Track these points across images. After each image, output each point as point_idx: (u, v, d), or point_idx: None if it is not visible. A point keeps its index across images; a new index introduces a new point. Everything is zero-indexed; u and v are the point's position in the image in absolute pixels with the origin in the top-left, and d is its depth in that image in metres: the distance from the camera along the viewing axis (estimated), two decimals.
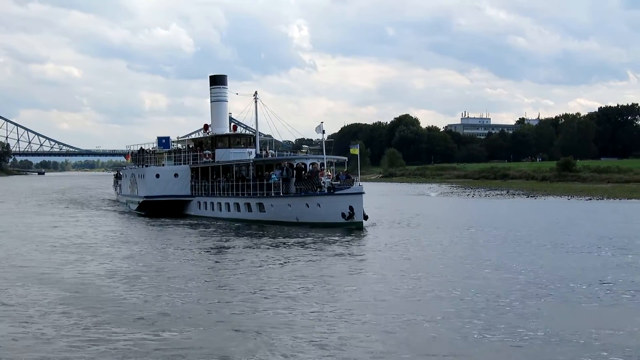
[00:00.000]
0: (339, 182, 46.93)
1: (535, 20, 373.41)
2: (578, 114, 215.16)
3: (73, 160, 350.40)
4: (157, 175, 59.34)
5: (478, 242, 36.71)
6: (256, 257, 32.06)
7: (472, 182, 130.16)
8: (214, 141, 59.97)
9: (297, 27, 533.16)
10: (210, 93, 62.87)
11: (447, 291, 22.51)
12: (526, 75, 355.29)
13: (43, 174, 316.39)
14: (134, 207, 63.40)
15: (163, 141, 62.39)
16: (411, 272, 26.58)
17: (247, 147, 59.65)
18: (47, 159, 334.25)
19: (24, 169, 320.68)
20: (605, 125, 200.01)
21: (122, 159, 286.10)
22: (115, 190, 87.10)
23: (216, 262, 31.82)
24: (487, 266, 27.85)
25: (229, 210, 52.83)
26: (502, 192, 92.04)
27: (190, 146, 64.11)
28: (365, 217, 44.43)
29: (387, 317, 18.85)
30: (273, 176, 48.67)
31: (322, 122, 47.58)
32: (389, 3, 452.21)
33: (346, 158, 52.61)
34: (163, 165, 60.96)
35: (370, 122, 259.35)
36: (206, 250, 35.66)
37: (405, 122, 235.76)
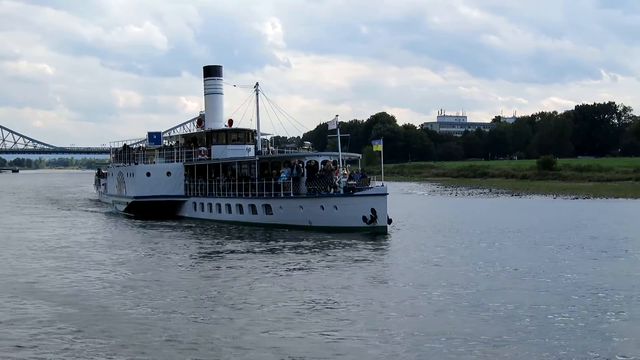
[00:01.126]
0: (354, 182, 41.32)
1: (509, 19, 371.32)
2: (555, 112, 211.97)
3: (47, 158, 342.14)
4: (148, 174, 53.25)
5: (515, 248, 33.19)
6: (269, 265, 28.42)
7: (451, 181, 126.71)
8: (209, 137, 53.97)
9: (270, 25, 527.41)
10: (204, 85, 56.86)
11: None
12: (500, 74, 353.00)
13: (17, 171, 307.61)
14: (122, 207, 57.29)
15: (154, 137, 56.06)
16: (467, 287, 23.01)
17: (245, 144, 53.75)
18: (20, 156, 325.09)
19: None
20: (582, 124, 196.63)
21: (98, 156, 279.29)
22: (97, 189, 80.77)
23: (221, 271, 27.77)
24: (533, 274, 25.13)
25: (229, 212, 46.93)
26: (484, 191, 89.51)
27: (182, 142, 58.02)
28: (389, 221, 38.72)
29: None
30: (282, 175, 42.88)
31: (337, 116, 41.97)
32: (362, 2, 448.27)
33: (359, 155, 46.80)
34: (154, 162, 54.68)
35: (346, 120, 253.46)
36: (208, 257, 31.78)
37: (382, 120, 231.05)
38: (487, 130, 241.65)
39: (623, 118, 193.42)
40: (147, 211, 52.59)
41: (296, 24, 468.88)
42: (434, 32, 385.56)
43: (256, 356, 15.22)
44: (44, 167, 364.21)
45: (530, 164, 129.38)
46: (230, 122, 55.59)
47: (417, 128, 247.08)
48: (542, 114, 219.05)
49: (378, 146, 41.44)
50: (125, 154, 59.98)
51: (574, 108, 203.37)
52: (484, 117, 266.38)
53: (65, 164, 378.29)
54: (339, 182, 40.73)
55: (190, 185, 52.25)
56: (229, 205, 47.00)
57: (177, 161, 53.71)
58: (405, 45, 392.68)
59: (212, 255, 32.11)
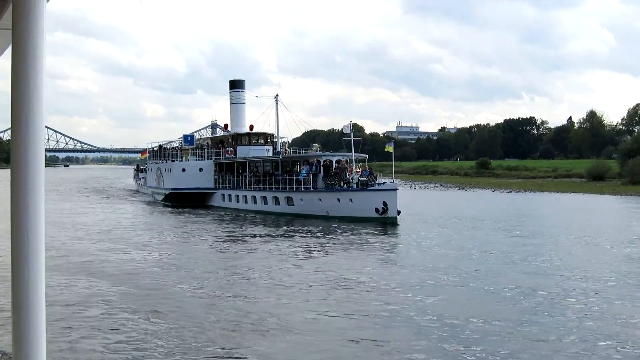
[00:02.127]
0: (365, 178, 36.69)
1: (451, 52, 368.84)
2: (488, 124, 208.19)
3: (91, 155, 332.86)
4: (183, 170, 48.29)
5: (515, 234, 29.98)
6: (300, 247, 25.37)
7: (408, 177, 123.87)
8: (235, 139, 49.03)
9: (266, 54, 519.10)
10: (230, 96, 51.91)
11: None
12: (443, 94, 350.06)
13: (68, 166, 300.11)
14: (160, 197, 52.17)
15: (189, 138, 51.06)
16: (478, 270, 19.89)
17: (265, 145, 48.89)
18: (70, 154, 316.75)
19: (52, 162, 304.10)
20: (509, 134, 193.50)
21: (131, 155, 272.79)
22: (136, 182, 75.39)
23: (255, 252, 24.44)
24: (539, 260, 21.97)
25: (255, 202, 42.04)
26: (437, 185, 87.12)
27: (211, 144, 53.03)
28: (398, 212, 34.07)
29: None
30: (302, 172, 38.11)
31: (350, 122, 37.39)
32: (337, 36, 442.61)
33: (366, 155, 42.06)
34: (188, 160, 49.67)
35: (325, 129, 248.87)
36: (240, 240, 28.25)
37: (354, 129, 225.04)
38: (434, 137, 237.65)
39: (541, 129, 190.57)
40: (182, 201, 47.72)
41: (286, 54, 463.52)
42: (392, 61, 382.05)
43: (298, 328, 12.71)
44: (89, 163, 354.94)
45: (470, 164, 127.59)
46: (252, 127, 50.75)
47: (381, 135, 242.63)
48: (478, 126, 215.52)
49: (389, 147, 36.67)
50: (161, 153, 55.14)
51: (502, 121, 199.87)
52: (431, 127, 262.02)
53: (105, 160, 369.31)
54: (352, 178, 36.19)
55: (219, 179, 47.30)
56: (254, 197, 42.14)
57: (208, 159, 48.76)
58: (370, 71, 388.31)
59: (244, 238, 28.60)
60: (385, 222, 33.33)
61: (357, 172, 36.54)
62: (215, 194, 47.52)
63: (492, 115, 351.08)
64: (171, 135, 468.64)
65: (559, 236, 28.82)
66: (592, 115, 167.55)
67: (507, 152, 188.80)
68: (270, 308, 14.49)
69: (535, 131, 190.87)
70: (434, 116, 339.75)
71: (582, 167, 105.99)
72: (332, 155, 39.86)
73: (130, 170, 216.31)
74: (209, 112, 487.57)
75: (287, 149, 51.13)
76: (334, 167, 37.96)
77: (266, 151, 48.33)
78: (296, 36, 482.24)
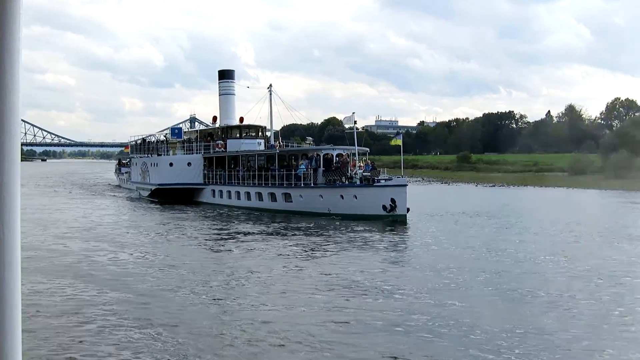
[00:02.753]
0: (368, 173, 33.97)
1: (428, 46, 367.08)
2: (467, 118, 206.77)
3: (69, 150, 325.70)
4: (171, 164, 45.06)
5: (531, 231, 28.51)
6: (298, 249, 22.90)
7: (389, 171, 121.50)
8: (225, 132, 45.88)
9: (244, 48, 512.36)
10: (219, 87, 48.73)
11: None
12: (421, 89, 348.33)
13: (45, 160, 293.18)
14: (145, 193, 48.89)
15: (176, 131, 47.58)
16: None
17: (257, 138, 45.87)
18: (47, 148, 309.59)
19: (29, 156, 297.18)
20: (488, 127, 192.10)
21: (109, 149, 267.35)
22: (118, 176, 71.75)
23: (250, 251, 22.68)
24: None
25: (248, 199, 39.06)
26: (418, 179, 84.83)
27: (199, 137, 49.81)
28: (407, 210, 31.33)
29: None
30: (301, 166, 35.20)
31: (353, 113, 34.57)
32: (315, 30, 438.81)
33: (367, 149, 39.10)
34: (175, 154, 46.40)
35: (304, 123, 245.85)
36: (234, 239, 26.11)
37: (333, 123, 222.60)
38: (413, 132, 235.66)
39: (520, 123, 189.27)
40: (169, 197, 44.60)
41: (264, 48, 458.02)
42: (370, 55, 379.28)
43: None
44: (67, 157, 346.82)
45: (451, 158, 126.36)
46: (241, 119, 47.72)
47: (360, 130, 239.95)
48: (457, 120, 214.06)
49: (397, 141, 33.75)
50: (146, 146, 51.87)
51: (481, 115, 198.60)
52: (410, 121, 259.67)
53: (83, 154, 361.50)
54: (354, 173, 33.41)
55: (209, 174, 44.20)
56: (247, 193, 39.16)
57: (197, 153, 45.63)
58: (348, 65, 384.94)
59: (239, 237, 26.25)
60: (394, 221, 30.64)
61: (360, 166, 33.73)
62: (205, 190, 44.44)
63: (469, 109, 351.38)
64: (150, 129, 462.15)
65: (565, 233, 27.27)
66: (570, 110, 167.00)
67: (486, 146, 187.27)
68: (271, 316, 12.86)
69: (514, 125, 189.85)
70: (412, 110, 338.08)
71: (563, 162, 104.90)
72: (333, 149, 36.97)
73: (109, 164, 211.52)
74: (187, 106, 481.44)
75: (281, 142, 48.15)
76: (334, 161, 35.08)
77: (258, 145, 45.36)
78: (274, 30, 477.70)
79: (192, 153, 45.89)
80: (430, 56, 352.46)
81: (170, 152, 45.88)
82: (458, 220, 32.49)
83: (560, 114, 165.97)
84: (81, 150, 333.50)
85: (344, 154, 35.82)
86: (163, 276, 17.36)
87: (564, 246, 23.46)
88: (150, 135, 55.37)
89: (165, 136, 50.03)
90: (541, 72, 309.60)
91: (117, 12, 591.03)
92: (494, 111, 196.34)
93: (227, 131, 45.75)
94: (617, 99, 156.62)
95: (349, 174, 34.00)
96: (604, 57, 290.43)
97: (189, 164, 44.92)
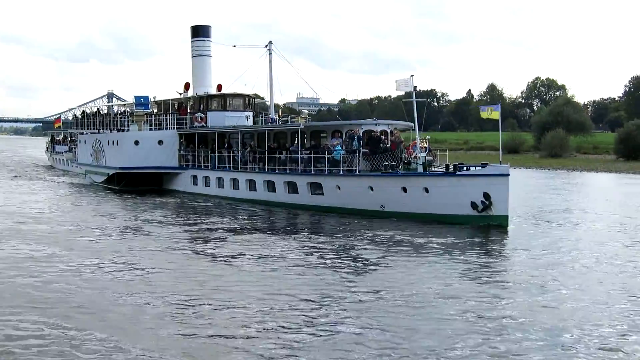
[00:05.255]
0: (431, 157, 24.00)
1: (345, 24, 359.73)
2: (389, 96, 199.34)
3: None
4: (136, 142, 32.92)
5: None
6: (351, 261, 15.36)
7: None
8: (206, 102, 34.10)
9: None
10: (192, 47, 36.65)
11: None
12: (340, 67, 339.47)
13: None
14: (99, 179, 36.47)
15: (142, 100, 35.11)
16: None
17: (244, 110, 34.44)
18: None
19: None
20: (410, 105, 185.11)
21: (23, 124, 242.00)
22: (51, 155, 57.69)
23: (292, 266, 14.69)
24: None
25: (252, 189, 27.93)
26: None
27: (163, 109, 37.64)
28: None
29: None
30: (337, 148, 24.42)
31: (412, 76, 24.00)
32: (230, 8, 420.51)
33: (412, 124, 28.57)
34: (141, 130, 34.08)
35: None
36: (253, 250, 17.11)
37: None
38: (335, 109, 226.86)
39: (441, 102, 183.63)
40: (134, 184, 32.71)
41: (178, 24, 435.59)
42: (287, 33, 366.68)
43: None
44: None
45: None
46: (220, 87, 36.05)
47: (282, 106, 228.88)
48: (378, 97, 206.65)
49: (495, 113, 22.78)
50: (93, 120, 39.36)
51: (403, 93, 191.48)
52: (331, 99, 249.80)
53: None
54: (413, 158, 23.12)
55: (186, 156, 32.48)
56: (250, 182, 27.97)
57: (169, 129, 33.75)
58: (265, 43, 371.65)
59: (250, 243, 17.94)
60: (488, 225, 20.69)
61: (422, 147, 23.40)
62: (182, 176, 32.73)
63: (386, 88, 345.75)
64: (65, 105, 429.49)
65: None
66: (492, 89, 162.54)
67: None
68: None
69: (436, 104, 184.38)
70: (331, 88, 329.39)
71: (494, 140, 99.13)
72: (376, 123, 26.36)
73: (25, 140, 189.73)
74: (104, 82, 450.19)
75: (281, 115, 37.03)
76: (386, 140, 24.68)
77: (246, 119, 34.01)
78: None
79: (162, 128, 33.96)
80: (348, 34, 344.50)
81: (135, 127, 33.59)
82: (565, 222, 22.98)
83: (482, 93, 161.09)
84: None
85: (396, 130, 25.51)
86: (127, 296, 11.53)
87: None
88: (84, 104, 42.42)
89: (125, 107, 37.48)
90: (459, 51, 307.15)
91: None
92: (419, 89, 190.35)
93: (206, 101, 34.01)
94: (537, 78, 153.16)
95: (405, 158, 23.71)
96: (519, 36, 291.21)
97: (160, 142, 33.00)
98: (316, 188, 25.03)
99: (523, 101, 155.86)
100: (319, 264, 15.05)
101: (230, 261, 15.37)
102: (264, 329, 9.92)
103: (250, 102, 34.92)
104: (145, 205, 27.29)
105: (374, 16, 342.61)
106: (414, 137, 23.82)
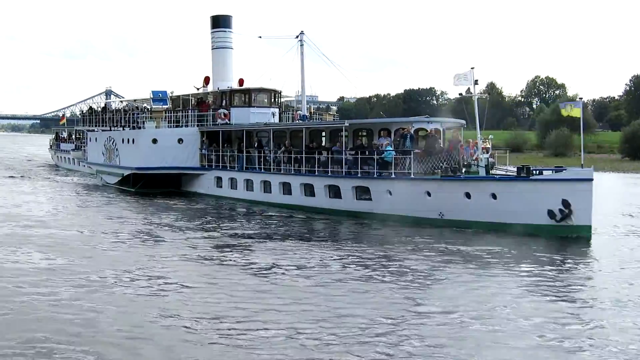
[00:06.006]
0: (493, 160, 21.21)
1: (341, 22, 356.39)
2: (388, 94, 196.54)
3: None
4: (155, 141, 29.91)
5: None
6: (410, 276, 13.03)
7: None
8: (229, 98, 31.12)
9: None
10: (212, 38, 33.66)
11: None
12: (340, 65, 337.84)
13: None
14: (113, 180, 33.47)
15: (160, 95, 32.00)
16: None
17: (270, 107, 31.47)
18: None
19: None
20: (409, 104, 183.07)
21: (21, 121, 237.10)
22: (55, 154, 54.45)
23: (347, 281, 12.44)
24: None
25: (287, 192, 25.00)
26: None
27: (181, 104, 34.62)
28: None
29: None
30: (388, 148, 21.54)
31: (472, 68, 21.09)
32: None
33: (464, 122, 25.64)
34: (160, 127, 31.08)
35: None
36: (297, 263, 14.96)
37: None
38: (334, 107, 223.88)
39: (440, 100, 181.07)
40: (153, 185, 29.77)
41: None
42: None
43: None
44: None
45: None
46: (241, 81, 33.06)
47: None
48: (377, 95, 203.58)
49: (575, 110, 19.68)
50: (107, 116, 36.37)
51: (402, 91, 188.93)
52: (330, 96, 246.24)
53: None
54: (474, 160, 20.38)
55: (209, 155, 29.49)
56: (285, 185, 25.04)
57: (188, 126, 30.75)
58: None
59: (290, 253, 15.88)
60: (568, 235, 17.94)
61: (484, 148, 20.57)
62: (204, 177, 29.76)
63: (387, 86, 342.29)
64: (62, 102, 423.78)
65: None
66: (491, 87, 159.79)
67: None
68: None
69: (435, 102, 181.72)
70: (333, 86, 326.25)
71: (497, 139, 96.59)
72: (428, 121, 23.47)
73: (24, 137, 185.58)
74: (101, 79, 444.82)
75: (300, 112, 34.11)
76: (439, 140, 21.87)
77: (272, 116, 31.06)
78: None
79: (181, 126, 30.96)
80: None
81: (152, 124, 30.55)
82: None
83: (482, 91, 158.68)
84: None
85: (455, 128, 22.74)
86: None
87: None
88: (83, 100, 39.30)
89: (143, 103, 34.39)
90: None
91: None
92: (419, 87, 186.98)
93: (229, 96, 31.03)
94: (537, 76, 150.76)
95: (465, 160, 20.92)
96: None
97: (179, 140, 30.01)
98: (362, 192, 22.16)
99: (523, 100, 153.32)
100: (371, 277, 13.20)
101: (272, 275, 13.58)
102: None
103: (277, 98, 31.93)
104: (165, 209, 24.63)
105: (371, 14, 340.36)
106: (472, 137, 20.79)
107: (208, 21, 33.73)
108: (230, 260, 14.93)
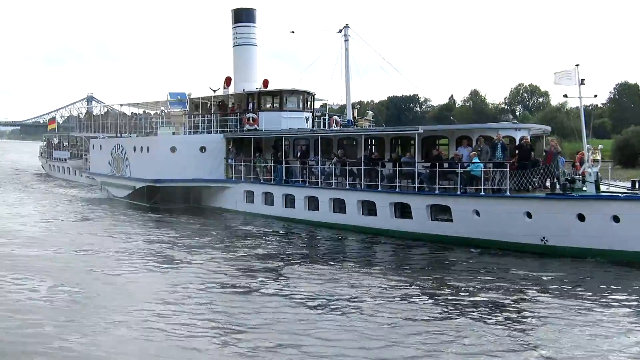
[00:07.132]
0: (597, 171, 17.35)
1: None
2: (372, 100, 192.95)
3: None
4: (173, 149, 25.55)
5: None
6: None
7: None
8: (256, 101, 26.88)
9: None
10: (233, 34, 29.42)
11: None
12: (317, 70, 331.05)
13: None
14: (121, 192, 28.94)
15: (178, 97, 27.59)
16: None
17: (304, 111, 27.31)
18: None
19: None
20: (392, 111, 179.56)
21: (0, 128, 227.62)
22: (47, 162, 49.30)
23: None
24: None
25: (338, 210, 20.86)
26: None
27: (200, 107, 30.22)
28: None
29: None
30: (475, 159, 17.58)
31: (577, 66, 17.18)
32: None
33: (549, 127, 21.73)
34: (178, 134, 26.68)
35: None
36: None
37: None
38: (318, 114, 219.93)
39: (424, 107, 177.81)
40: (167, 199, 25.39)
41: None
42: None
43: None
44: None
45: None
46: (266, 83, 28.77)
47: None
48: (360, 102, 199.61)
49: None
50: (92, 123, 31.82)
51: (386, 98, 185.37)
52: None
53: None
54: (578, 176, 16.59)
55: (237, 166, 25.23)
56: (338, 201, 20.91)
57: (212, 132, 26.45)
58: None
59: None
60: None
61: (592, 160, 16.72)
62: (231, 191, 25.43)
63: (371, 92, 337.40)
64: (43, 107, 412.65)
65: None
66: (475, 94, 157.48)
67: None
68: None
69: (419, 109, 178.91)
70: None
71: None
72: (516, 128, 19.56)
73: (4, 143, 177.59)
74: (82, 85, 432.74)
75: (336, 118, 30.03)
76: (541, 152, 18.01)
77: (306, 121, 26.93)
78: None
79: (202, 132, 26.67)
80: None
81: (168, 130, 26.13)
82: None
83: (465, 98, 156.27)
84: None
85: (552, 139, 18.91)
86: None
87: None
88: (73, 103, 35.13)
89: (160, 107, 29.91)
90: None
91: None
92: (402, 94, 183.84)
93: (257, 99, 26.81)
94: (520, 84, 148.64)
95: (569, 175, 17.11)
96: None
97: (202, 149, 25.69)
98: (440, 212, 18.17)
99: (506, 107, 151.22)
100: (458, 316, 10.44)
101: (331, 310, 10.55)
102: None
103: (308, 101, 27.81)
104: (189, 228, 20.57)
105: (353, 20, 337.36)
106: (595, 148, 16.87)
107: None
108: (274, 288, 11.96)
